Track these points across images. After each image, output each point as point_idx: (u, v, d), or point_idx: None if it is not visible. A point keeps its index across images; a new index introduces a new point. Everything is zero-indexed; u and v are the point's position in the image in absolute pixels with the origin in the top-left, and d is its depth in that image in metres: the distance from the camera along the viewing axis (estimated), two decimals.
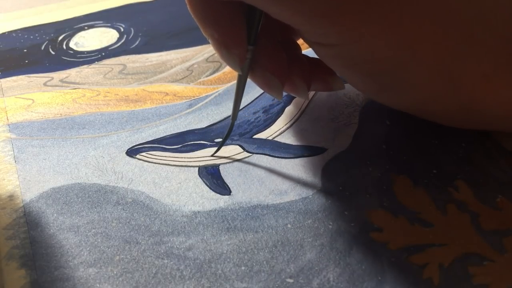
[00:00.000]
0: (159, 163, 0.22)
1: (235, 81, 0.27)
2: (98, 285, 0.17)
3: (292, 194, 0.20)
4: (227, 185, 0.21)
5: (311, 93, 0.26)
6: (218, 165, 0.22)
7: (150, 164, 0.22)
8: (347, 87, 0.26)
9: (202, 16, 0.19)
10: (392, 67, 0.18)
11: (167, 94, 0.27)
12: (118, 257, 0.18)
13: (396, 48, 0.17)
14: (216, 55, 0.30)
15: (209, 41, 0.20)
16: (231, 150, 0.23)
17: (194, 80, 0.28)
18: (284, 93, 0.26)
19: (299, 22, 0.18)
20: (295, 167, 0.21)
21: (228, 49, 0.19)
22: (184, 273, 0.17)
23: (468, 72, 0.18)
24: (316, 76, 0.22)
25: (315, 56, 0.21)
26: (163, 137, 0.23)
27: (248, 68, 0.20)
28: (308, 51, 0.29)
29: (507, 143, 0.22)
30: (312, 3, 0.16)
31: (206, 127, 0.24)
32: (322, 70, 0.22)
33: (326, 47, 0.18)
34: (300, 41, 0.24)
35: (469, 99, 0.18)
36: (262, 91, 0.26)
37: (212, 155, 0.22)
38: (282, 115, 0.25)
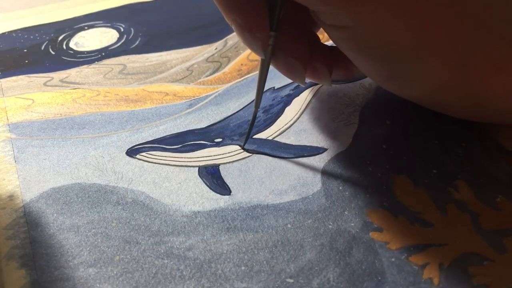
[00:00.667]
0: (159, 163, 0.22)
1: (235, 81, 0.27)
2: (98, 285, 0.17)
3: (292, 194, 0.20)
4: (227, 185, 0.21)
5: (314, 90, 0.26)
6: (218, 165, 0.22)
7: (150, 164, 0.22)
8: (347, 87, 0.26)
9: (225, 2, 0.19)
10: (404, 52, 0.18)
11: (167, 94, 0.27)
12: (118, 257, 0.18)
13: (409, 32, 0.17)
14: (216, 55, 0.30)
15: (232, 27, 0.20)
16: (231, 150, 0.23)
17: (194, 80, 0.28)
18: (284, 93, 0.26)
19: (314, 2, 0.18)
20: (295, 167, 0.21)
21: (252, 32, 0.20)
22: (184, 273, 0.17)
23: (479, 61, 0.18)
24: (338, 63, 0.22)
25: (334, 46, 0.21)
26: (163, 137, 0.23)
27: (270, 54, 0.20)
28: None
29: (507, 143, 0.22)
30: None
31: (206, 127, 0.24)
32: (344, 57, 0.22)
33: (340, 29, 0.19)
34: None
35: (479, 89, 0.19)
36: None
37: (242, 148, 0.23)
38: (282, 115, 0.25)
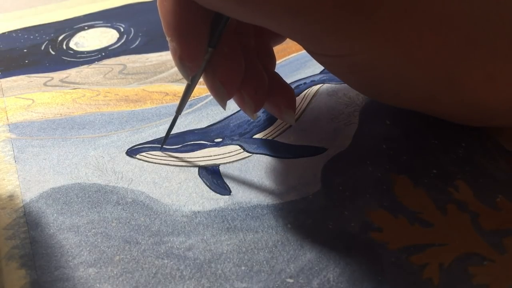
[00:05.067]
0: (159, 163, 0.22)
1: None
2: (98, 285, 0.17)
3: (292, 194, 0.20)
4: (227, 185, 0.21)
5: (314, 90, 0.26)
6: (218, 165, 0.22)
7: (150, 164, 0.22)
8: (347, 87, 0.26)
9: (166, 20, 0.18)
10: (392, 74, 0.18)
11: (167, 94, 0.27)
12: (118, 257, 0.18)
13: (395, 57, 0.17)
14: None
15: (168, 44, 0.19)
16: (231, 150, 0.23)
17: None
18: None
19: (298, 38, 0.18)
20: (295, 167, 0.21)
21: (182, 60, 0.19)
22: (184, 273, 0.17)
23: (472, 74, 0.18)
24: (274, 99, 0.21)
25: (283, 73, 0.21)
26: (163, 137, 0.23)
27: (202, 71, 0.20)
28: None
29: (507, 143, 0.22)
30: (308, 20, 0.16)
31: (206, 127, 0.24)
32: (283, 96, 0.21)
33: (324, 56, 0.19)
34: (292, 43, 0.24)
35: (472, 98, 0.19)
36: None
37: (160, 148, 0.22)
38: None
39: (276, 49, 0.30)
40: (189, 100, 0.26)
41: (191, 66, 0.19)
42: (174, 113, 0.22)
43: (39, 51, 0.31)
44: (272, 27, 0.17)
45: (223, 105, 0.21)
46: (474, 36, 0.17)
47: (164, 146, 0.23)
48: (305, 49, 0.19)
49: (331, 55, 0.18)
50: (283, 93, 0.22)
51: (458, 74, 0.18)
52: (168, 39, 0.19)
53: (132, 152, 0.23)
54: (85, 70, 0.29)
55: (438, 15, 0.16)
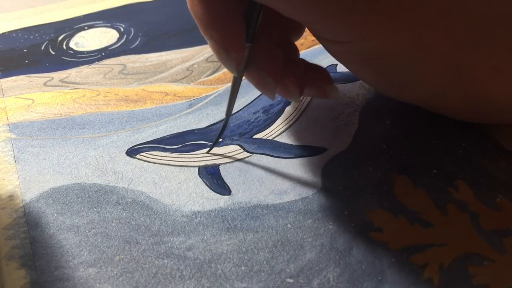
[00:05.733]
0: (159, 163, 0.22)
1: None
2: (98, 285, 0.17)
3: (292, 194, 0.20)
4: (227, 185, 0.21)
5: (307, 98, 0.26)
6: (218, 165, 0.22)
7: (150, 164, 0.22)
8: (347, 87, 0.26)
9: (203, 17, 0.19)
10: (401, 62, 0.18)
11: (167, 94, 0.27)
12: (118, 257, 0.18)
13: (405, 44, 0.17)
14: None
15: (208, 42, 0.20)
16: (231, 150, 0.23)
17: (194, 80, 0.28)
18: None
19: (310, 20, 0.18)
20: (295, 167, 0.21)
21: (228, 52, 0.19)
22: (184, 273, 0.17)
23: (478, 65, 0.18)
24: (312, 81, 0.22)
25: (315, 58, 0.21)
26: (163, 137, 0.23)
27: (244, 67, 0.20)
28: (304, 52, 0.29)
29: (507, 143, 0.22)
30: (323, 3, 0.16)
31: (206, 127, 0.24)
32: (319, 76, 0.22)
33: (335, 43, 0.19)
34: (298, 42, 0.24)
35: (477, 91, 0.19)
36: None
37: (207, 152, 0.22)
38: (282, 115, 0.25)
39: None
40: (188, 100, 0.26)
41: (237, 56, 0.19)
42: (221, 115, 0.22)
43: (39, 51, 0.31)
44: (286, 10, 0.17)
45: (273, 96, 0.21)
46: (481, 28, 0.17)
47: (164, 146, 0.23)
48: (315, 36, 0.20)
49: (342, 42, 0.18)
50: (318, 73, 0.22)
51: (464, 66, 0.18)
52: (207, 38, 0.19)
53: (132, 152, 0.23)
54: (85, 70, 0.29)
55: (447, 4, 0.16)
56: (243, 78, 0.21)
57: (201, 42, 0.31)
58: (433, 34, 0.17)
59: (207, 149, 0.23)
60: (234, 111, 0.25)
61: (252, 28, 0.19)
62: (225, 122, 0.22)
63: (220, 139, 0.23)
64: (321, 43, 0.20)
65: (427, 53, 0.18)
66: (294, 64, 0.22)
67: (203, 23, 0.19)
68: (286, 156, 0.22)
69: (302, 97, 0.22)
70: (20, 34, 0.33)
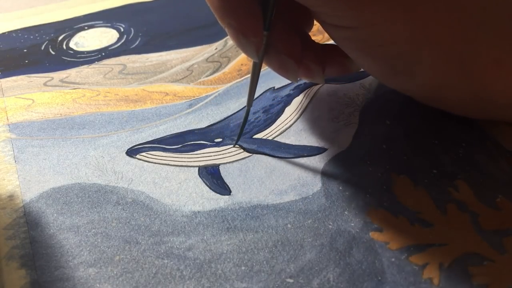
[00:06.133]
0: (159, 163, 0.22)
1: (235, 81, 0.27)
2: (98, 285, 0.17)
3: (292, 194, 0.20)
4: (227, 185, 0.21)
5: (314, 90, 0.26)
6: (218, 165, 0.22)
7: (150, 164, 0.22)
8: (347, 87, 0.26)
9: (219, 6, 0.19)
10: (405, 50, 0.18)
11: (167, 94, 0.27)
12: (118, 257, 0.18)
13: (410, 32, 0.17)
14: (216, 55, 0.30)
15: (226, 30, 0.20)
16: (231, 150, 0.23)
17: (194, 80, 0.28)
18: (284, 93, 0.26)
19: (317, 3, 0.18)
20: (295, 167, 0.21)
21: (247, 37, 0.19)
22: (184, 273, 0.17)
23: (480, 57, 0.18)
24: (332, 59, 0.22)
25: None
26: (163, 137, 0.23)
27: (263, 54, 0.20)
28: None
29: (507, 143, 0.22)
30: None
31: (206, 127, 0.24)
32: (337, 53, 0.22)
33: (342, 29, 0.19)
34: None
35: (479, 83, 0.19)
36: (262, 91, 0.26)
37: (234, 146, 0.23)
38: (282, 115, 0.25)
39: None
40: (188, 100, 0.26)
41: (256, 40, 0.20)
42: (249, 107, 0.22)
43: (39, 51, 0.31)
44: None
45: (295, 77, 0.21)
46: (485, 19, 0.17)
47: (164, 146, 0.23)
48: (321, 23, 0.20)
49: (347, 27, 0.18)
50: (335, 50, 0.22)
51: (468, 56, 0.18)
52: (225, 25, 0.20)
53: (132, 152, 0.23)
54: (85, 70, 0.29)
55: None
56: (252, 78, 0.21)
57: (201, 42, 0.31)
58: (438, 23, 0.17)
59: (207, 149, 0.23)
60: (234, 111, 0.25)
61: (269, 15, 0.19)
62: (247, 112, 0.22)
63: (220, 139, 0.23)
64: (326, 31, 0.20)
65: (431, 42, 0.18)
66: (311, 45, 0.22)
67: (220, 12, 0.19)
68: (286, 156, 0.22)
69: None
70: (20, 34, 0.33)
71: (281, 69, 0.21)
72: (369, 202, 0.20)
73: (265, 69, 0.28)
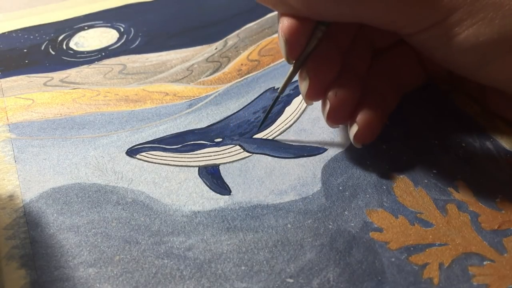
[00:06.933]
0: (159, 163, 0.22)
1: (235, 81, 0.27)
2: (98, 285, 0.17)
3: (292, 194, 0.20)
4: (227, 185, 0.21)
5: None
6: (218, 165, 0.22)
7: (150, 164, 0.22)
8: None
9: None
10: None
11: (167, 94, 0.27)
12: (118, 257, 0.18)
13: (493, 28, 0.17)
14: (216, 55, 0.30)
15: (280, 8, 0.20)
16: (231, 150, 0.23)
17: (194, 80, 0.28)
18: (284, 94, 0.26)
19: (393, 18, 0.18)
20: (295, 167, 0.21)
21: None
22: (184, 273, 0.17)
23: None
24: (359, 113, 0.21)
25: None
26: (163, 137, 0.23)
27: (316, 43, 0.20)
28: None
29: (507, 143, 0.22)
30: None
31: (206, 127, 0.24)
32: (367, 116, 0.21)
33: (428, 31, 0.19)
34: (276, 48, 0.23)
35: None
36: (261, 91, 0.26)
37: (258, 129, 0.23)
38: (282, 115, 0.25)
39: (276, 49, 0.30)
40: (188, 100, 0.26)
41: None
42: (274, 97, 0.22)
43: (39, 51, 0.31)
44: (368, 18, 0.19)
45: (307, 102, 0.21)
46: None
47: (164, 146, 0.23)
48: (404, 36, 0.20)
49: (426, 28, 0.19)
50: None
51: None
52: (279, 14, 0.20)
53: (132, 152, 0.23)
54: (85, 70, 0.29)
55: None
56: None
57: (201, 42, 0.31)
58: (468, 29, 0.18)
59: (207, 149, 0.23)
60: (234, 111, 0.25)
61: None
62: (278, 95, 0.22)
63: (220, 139, 0.23)
64: (409, 41, 0.20)
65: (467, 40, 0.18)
66: (351, 81, 0.21)
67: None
68: (286, 156, 0.22)
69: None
70: (20, 34, 0.33)
71: (300, 84, 0.21)
72: (369, 202, 0.20)
73: (265, 68, 0.28)
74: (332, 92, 0.20)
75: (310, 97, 0.21)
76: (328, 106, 0.20)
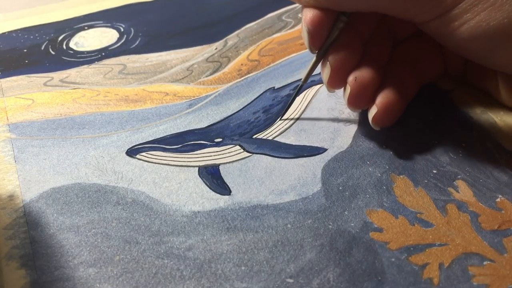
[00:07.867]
0: (159, 163, 0.22)
1: (235, 81, 0.27)
2: (98, 285, 0.17)
3: (292, 194, 0.20)
4: (227, 185, 0.21)
5: (314, 90, 0.26)
6: (218, 165, 0.22)
7: (150, 164, 0.22)
8: None
9: None
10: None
11: (167, 94, 0.27)
12: (118, 257, 0.18)
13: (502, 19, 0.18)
14: (216, 55, 0.30)
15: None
16: (231, 150, 0.23)
17: (194, 80, 0.28)
18: (284, 93, 0.26)
19: (409, 6, 0.19)
20: (295, 167, 0.21)
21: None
22: (184, 273, 0.17)
23: None
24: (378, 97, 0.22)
25: None
26: (163, 137, 0.23)
27: (338, 33, 0.21)
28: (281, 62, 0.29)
29: (507, 143, 0.22)
30: None
31: (206, 127, 0.24)
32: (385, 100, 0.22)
33: (440, 18, 0.19)
34: (276, 48, 0.24)
35: None
36: (261, 91, 0.26)
37: (280, 119, 0.24)
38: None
39: (276, 49, 0.30)
40: (188, 100, 0.26)
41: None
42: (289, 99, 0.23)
43: (39, 51, 0.31)
44: (383, 7, 0.19)
45: (329, 89, 0.22)
46: None
47: (164, 146, 0.23)
48: (422, 28, 0.20)
49: (440, 15, 0.19)
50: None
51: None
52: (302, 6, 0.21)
53: (132, 152, 0.23)
54: (85, 70, 0.29)
55: None
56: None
57: (201, 42, 0.31)
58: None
59: (207, 149, 0.23)
60: (234, 111, 0.25)
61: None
62: (300, 86, 0.23)
63: (220, 139, 0.23)
64: (429, 31, 0.20)
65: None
66: (373, 68, 0.22)
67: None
68: (286, 156, 0.22)
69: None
70: (20, 34, 0.33)
71: (322, 73, 0.22)
72: (369, 202, 0.20)
73: (265, 69, 0.28)
74: (352, 77, 0.21)
75: (332, 85, 0.22)
76: (348, 91, 0.21)
